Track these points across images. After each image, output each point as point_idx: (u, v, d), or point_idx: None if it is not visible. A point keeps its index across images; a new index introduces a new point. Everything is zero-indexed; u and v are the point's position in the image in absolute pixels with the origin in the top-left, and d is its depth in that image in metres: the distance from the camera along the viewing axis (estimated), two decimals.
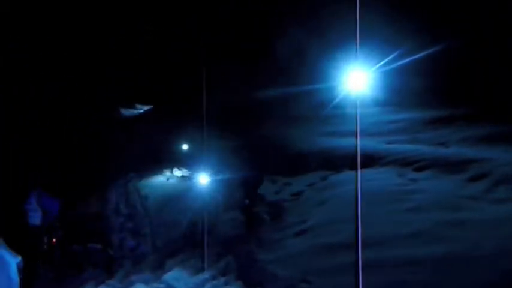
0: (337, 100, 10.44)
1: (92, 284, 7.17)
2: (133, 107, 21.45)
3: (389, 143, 9.03)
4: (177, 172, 10.28)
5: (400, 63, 10.65)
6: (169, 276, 6.93)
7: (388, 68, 10.70)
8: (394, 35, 10.91)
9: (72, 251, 8.23)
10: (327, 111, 10.57)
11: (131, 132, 15.31)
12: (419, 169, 7.49)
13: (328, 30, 12.09)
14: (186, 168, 9.51)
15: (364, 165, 7.65)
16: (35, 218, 7.82)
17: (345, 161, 8.24)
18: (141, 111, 20.31)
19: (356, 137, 7.03)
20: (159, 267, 7.79)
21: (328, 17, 12.37)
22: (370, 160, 8.07)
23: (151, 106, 19.71)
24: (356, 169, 5.64)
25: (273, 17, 14.10)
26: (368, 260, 5.02)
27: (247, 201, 8.35)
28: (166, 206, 9.67)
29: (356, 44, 4.48)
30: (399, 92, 11.03)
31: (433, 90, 10.90)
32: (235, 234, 7.60)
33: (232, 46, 14.48)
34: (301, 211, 7.25)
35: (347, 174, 8.01)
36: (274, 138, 10.66)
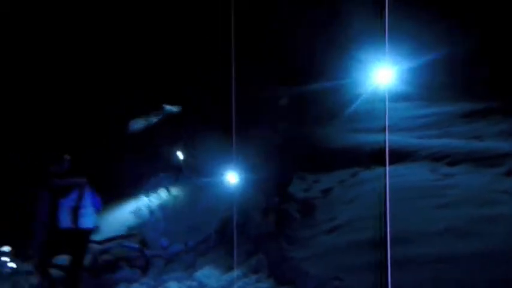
0: (365, 96, 10.35)
1: (125, 283, 7.32)
2: (161, 109, 21.80)
3: (420, 137, 8.82)
4: (208, 170, 10.36)
5: (429, 57, 10.46)
6: (201, 274, 7.05)
7: (417, 62, 10.55)
8: (422, 29, 10.69)
9: (107, 249, 8.19)
10: (354, 108, 10.46)
11: (159, 133, 15.60)
12: (452, 164, 7.28)
13: (354, 25, 11.96)
14: (215, 167, 9.59)
15: (394, 161, 7.55)
16: (88, 218, 6.79)
17: (375, 157, 8.13)
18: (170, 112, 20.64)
19: (385, 132, 6.95)
20: (191, 265, 7.93)
21: (355, 12, 12.22)
22: (401, 156, 7.92)
23: (179, 107, 19.99)
24: (385, 165, 5.58)
25: (294, 13, 13.92)
26: (399, 257, 4.95)
27: (276, 199, 8.34)
28: (197, 205, 9.81)
29: (385, 38, 4.41)
30: (429, 86, 10.79)
31: (465, 84, 10.61)
32: (266, 233, 7.60)
33: (253, 44, 14.44)
34: (331, 208, 7.19)
35: (377, 170, 7.90)
36: (301, 135, 10.62)
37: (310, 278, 5.12)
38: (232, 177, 8.45)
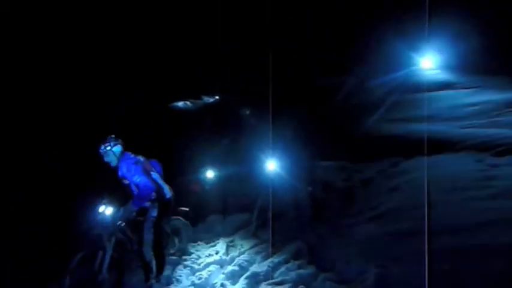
0: (407, 85, 10.14)
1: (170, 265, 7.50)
2: (200, 99, 22.14)
3: (465, 127, 8.58)
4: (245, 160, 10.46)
5: (475, 44, 10.08)
6: (242, 259, 7.21)
7: (461, 49, 10.19)
8: (467, 14, 10.31)
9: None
10: (396, 97, 10.25)
11: (200, 122, 15.87)
12: (499, 154, 7.07)
13: (395, 13, 11.69)
14: (254, 155, 9.70)
15: (438, 151, 7.42)
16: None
17: (417, 146, 8.00)
18: (208, 102, 20.96)
19: (426, 121, 6.79)
20: (231, 250, 8.08)
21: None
22: (445, 145, 7.76)
23: (217, 97, 20.27)
24: (427, 154, 5.51)
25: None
26: (443, 247, 4.93)
27: (309, 188, 8.39)
28: (236, 192, 9.96)
29: (426, 26, 4.32)
30: (475, 73, 10.43)
31: None
32: (306, 221, 7.68)
33: (297, 33, 14.36)
34: (371, 198, 7.18)
35: (419, 160, 7.77)
36: (341, 125, 10.54)
37: (353, 264, 5.18)
38: (270, 166, 8.56)
